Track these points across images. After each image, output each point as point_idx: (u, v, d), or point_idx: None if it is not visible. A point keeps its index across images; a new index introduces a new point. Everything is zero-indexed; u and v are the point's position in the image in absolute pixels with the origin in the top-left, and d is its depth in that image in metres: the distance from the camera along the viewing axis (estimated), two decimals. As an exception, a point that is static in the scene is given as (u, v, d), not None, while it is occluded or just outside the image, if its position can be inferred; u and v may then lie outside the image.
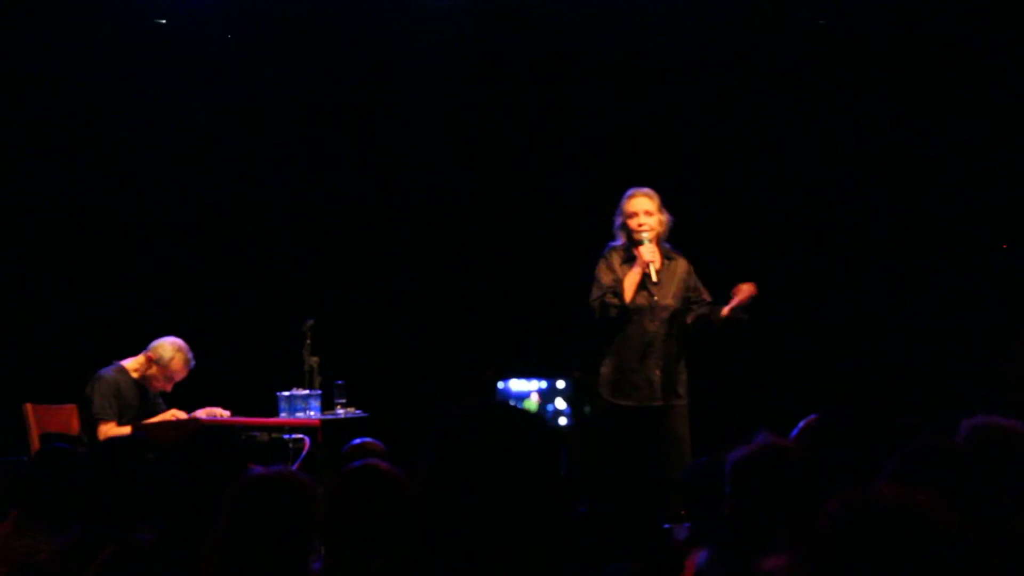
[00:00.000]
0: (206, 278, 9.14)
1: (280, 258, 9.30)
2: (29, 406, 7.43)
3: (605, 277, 7.07)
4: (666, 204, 7.23)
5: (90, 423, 7.31)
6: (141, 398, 7.49)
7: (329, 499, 3.36)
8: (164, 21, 9.00)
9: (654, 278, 7.00)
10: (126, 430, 7.28)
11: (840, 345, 8.94)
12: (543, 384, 7.85)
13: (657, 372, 7.02)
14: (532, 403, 7.78)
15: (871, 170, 9.09)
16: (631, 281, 7.00)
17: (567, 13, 9.23)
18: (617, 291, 7.01)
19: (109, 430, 7.25)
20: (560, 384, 7.84)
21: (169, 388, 7.57)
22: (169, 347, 7.51)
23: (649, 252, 6.99)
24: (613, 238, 7.21)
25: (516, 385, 7.90)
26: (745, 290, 6.98)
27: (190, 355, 7.55)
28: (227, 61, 9.20)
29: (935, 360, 8.65)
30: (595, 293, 7.06)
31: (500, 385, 7.89)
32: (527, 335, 9.11)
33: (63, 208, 8.99)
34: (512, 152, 9.43)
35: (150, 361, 7.49)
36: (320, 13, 9.18)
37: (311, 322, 7.80)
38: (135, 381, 7.48)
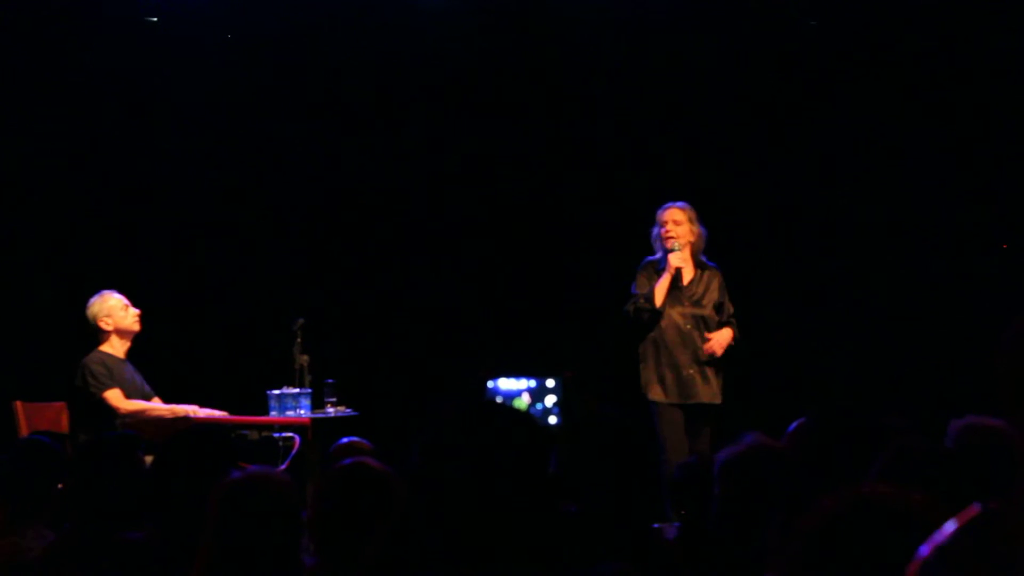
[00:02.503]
0: (196, 276, 9.13)
1: (271, 256, 9.29)
2: (18, 403, 7.41)
3: (644, 286, 7.48)
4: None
5: (89, 410, 7.27)
6: (133, 377, 7.47)
7: (319, 497, 3.36)
8: (156, 19, 8.99)
9: (684, 281, 7.43)
10: (139, 404, 7.28)
11: (834, 347, 8.95)
12: (533, 383, 7.86)
13: (696, 370, 7.39)
14: (522, 402, 7.78)
15: (865, 170, 9.10)
16: (662, 286, 7.41)
17: (564, 13, 9.23)
18: (649, 296, 7.38)
19: (116, 397, 7.24)
20: (550, 383, 7.85)
21: (137, 320, 7.49)
22: (91, 304, 7.50)
23: (677, 258, 7.40)
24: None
25: (506, 384, 7.90)
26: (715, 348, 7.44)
27: (107, 291, 7.55)
28: (222, 59, 9.19)
29: (929, 360, 8.66)
30: (630, 303, 7.48)
31: (490, 384, 7.89)
32: (517, 334, 9.11)
33: (55, 206, 8.97)
34: (504, 151, 9.43)
35: (101, 322, 7.44)
36: (318, 12, 9.17)
37: (301, 321, 7.80)
38: (119, 359, 7.45)
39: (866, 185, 9.10)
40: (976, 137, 8.87)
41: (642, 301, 7.39)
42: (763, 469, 3.37)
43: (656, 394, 7.39)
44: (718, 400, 7.45)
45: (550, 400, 7.82)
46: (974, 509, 1.56)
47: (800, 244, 9.16)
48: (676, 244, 7.39)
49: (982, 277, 8.76)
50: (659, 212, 7.51)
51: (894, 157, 9.07)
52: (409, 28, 9.22)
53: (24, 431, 7.25)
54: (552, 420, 7.76)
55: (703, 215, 8.07)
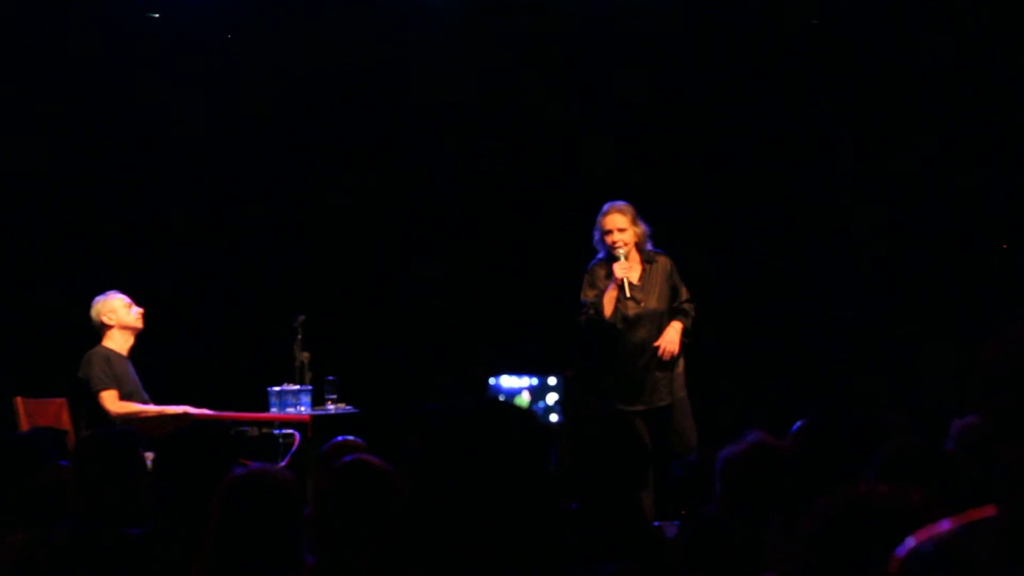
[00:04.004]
0: (198, 273, 9.13)
1: (272, 253, 9.29)
2: (19, 400, 7.42)
3: (587, 294, 7.37)
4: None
5: (90, 403, 7.31)
6: (134, 377, 7.50)
7: (320, 494, 3.36)
8: (157, 15, 8.99)
9: (628, 293, 7.24)
10: (131, 406, 7.30)
11: (837, 345, 8.94)
12: (534, 381, 7.86)
13: (657, 373, 7.29)
14: (523, 400, 7.78)
15: (866, 170, 9.09)
16: (609, 297, 7.28)
17: (562, 13, 9.24)
18: (597, 307, 7.28)
19: (111, 398, 7.29)
20: (551, 381, 7.85)
21: (140, 317, 7.58)
22: (95, 303, 7.59)
23: (622, 269, 7.24)
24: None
25: (507, 382, 7.90)
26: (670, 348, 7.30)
27: (111, 291, 7.64)
28: (222, 57, 9.19)
29: (931, 360, 8.66)
30: (580, 311, 7.35)
31: (491, 381, 7.89)
32: (518, 332, 9.11)
33: (55, 202, 8.97)
34: (505, 149, 9.43)
35: (104, 317, 7.53)
36: (317, 9, 9.17)
37: (302, 318, 7.81)
38: (122, 356, 7.51)
39: (867, 184, 9.09)
40: (977, 136, 8.86)
41: (592, 312, 7.27)
42: (764, 468, 3.37)
43: (616, 402, 7.19)
44: (682, 394, 7.32)
45: (551, 398, 7.82)
46: (988, 510, 1.56)
47: (802, 243, 9.14)
48: (621, 253, 7.24)
49: (982, 277, 8.75)
50: (600, 217, 7.37)
51: (895, 155, 9.05)
52: (409, 27, 9.21)
53: (24, 427, 7.26)
54: (553, 418, 7.76)
55: (705, 213, 8.09)
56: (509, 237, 9.36)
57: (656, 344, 7.28)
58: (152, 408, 7.42)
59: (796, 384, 8.60)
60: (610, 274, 7.29)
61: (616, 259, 7.26)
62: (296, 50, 9.25)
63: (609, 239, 7.30)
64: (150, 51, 8.98)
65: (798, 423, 3.55)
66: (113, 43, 8.94)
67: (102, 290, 7.67)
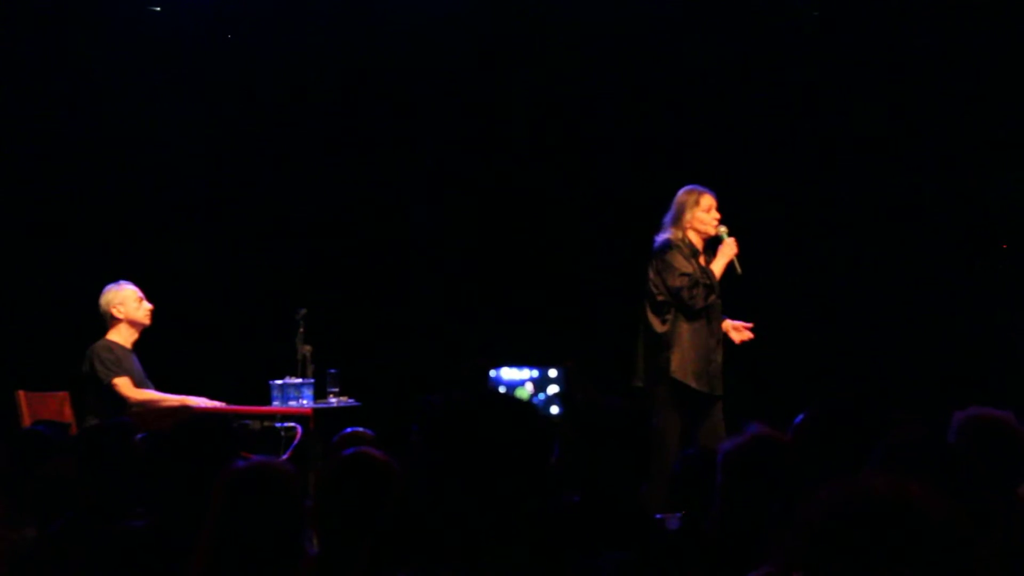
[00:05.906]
0: (200, 267, 9.14)
1: (274, 246, 9.30)
2: (21, 393, 7.42)
3: (687, 266, 7.18)
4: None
5: (100, 395, 7.28)
6: (140, 368, 7.50)
7: (321, 486, 3.37)
8: (159, 8, 8.99)
9: (739, 270, 7.25)
10: (148, 393, 7.31)
11: (839, 340, 8.94)
12: (535, 372, 7.86)
13: (719, 361, 7.29)
14: (524, 392, 7.78)
15: (866, 164, 9.09)
16: (721, 268, 7.24)
17: (561, 10, 9.24)
18: (711, 278, 7.20)
19: (125, 384, 7.28)
20: (553, 372, 7.84)
21: (149, 314, 7.52)
22: (107, 292, 7.54)
23: (735, 243, 7.24)
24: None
25: (508, 373, 7.90)
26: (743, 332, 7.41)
27: (124, 281, 7.60)
28: (223, 52, 9.20)
29: (932, 354, 8.67)
30: (681, 281, 7.14)
31: (492, 373, 7.89)
32: (520, 323, 9.12)
33: (56, 196, 8.98)
34: (505, 143, 9.43)
35: (113, 309, 7.49)
36: (317, 7, 9.19)
37: (304, 311, 7.81)
38: (126, 349, 7.49)
39: (869, 179, 9.09)
40: (978, 133, 8.85)
41: (704, 286, 7.13)
42: (766, 460, 3.37)
43: (690, 380, 7.14)
44: None
45: (552, 390, 7.82)
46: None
47: (806, 237, 9.14)
48: (724, 231, 7.25)
49: (983, 275, 8.75)
50: (696, 195, 7.26)
51: (896, 150, 9.05)
52: (409, 28, 9.22)
53: (27, 421, 7.26)
54: (554, 410, 7.76)
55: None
56: (511, 229, 9.37)
57: (740, 328, 7.38)
58: (172, 397, 7.42)
59: (798, 377, 8.60)
60: (693, 254, 7.21)
61: (716, 237, 7.26)
62: (298, 45, 9.25)
63: (711, 215, 7.24)
64: (152, 46, 8.98)
65: (800, 416, 3.55)
66: (114, 37, 8.94)
67: (104, 283, 7.65)
